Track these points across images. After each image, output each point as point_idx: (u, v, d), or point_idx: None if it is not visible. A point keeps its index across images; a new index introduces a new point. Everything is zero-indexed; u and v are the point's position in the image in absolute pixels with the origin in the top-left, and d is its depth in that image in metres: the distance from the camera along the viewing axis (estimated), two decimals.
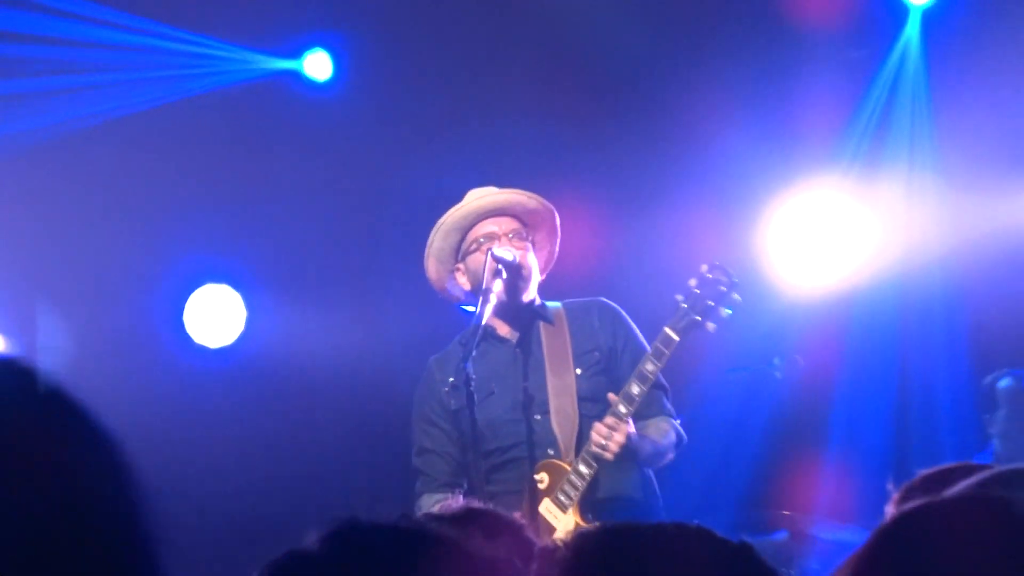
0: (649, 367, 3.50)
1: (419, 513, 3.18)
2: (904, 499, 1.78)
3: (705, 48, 4.44)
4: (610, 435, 3.41)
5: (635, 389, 3.45)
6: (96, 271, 4.85)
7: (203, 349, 5.03)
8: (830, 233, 4.37)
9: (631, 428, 3.42)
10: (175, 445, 4.67)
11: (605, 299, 3.79)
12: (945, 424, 4.27)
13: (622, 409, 3.43)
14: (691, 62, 4.43)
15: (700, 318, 3.53)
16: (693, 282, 3.56)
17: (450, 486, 3.54)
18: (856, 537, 3.60)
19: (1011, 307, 4.24)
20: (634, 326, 3.71)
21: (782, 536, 4.06)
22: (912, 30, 4.45)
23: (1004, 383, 4.30)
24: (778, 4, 4.39)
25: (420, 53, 4.70)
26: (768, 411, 4.30)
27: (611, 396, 3.46)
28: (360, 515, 1.31)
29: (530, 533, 1.92)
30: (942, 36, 4.44)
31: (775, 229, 4.43)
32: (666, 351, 3.46)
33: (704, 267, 3.58)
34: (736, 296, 3.56)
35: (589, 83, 4.56)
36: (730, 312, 3.54)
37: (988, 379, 4.37)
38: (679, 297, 3.55)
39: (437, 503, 3.39)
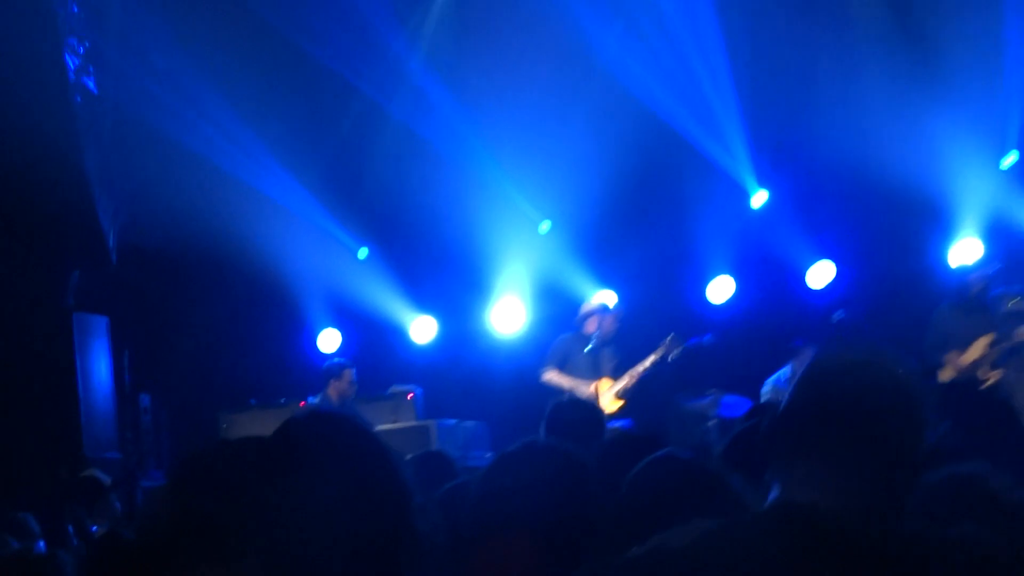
0: (651, 357, 9.96)
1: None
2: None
3: None
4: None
5: (639, 367, 10.02)
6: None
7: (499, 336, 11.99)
8: None
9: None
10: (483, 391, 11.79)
11: None
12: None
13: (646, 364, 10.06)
14: None
15: (666, 352, 9.97)
16: (670, 337, 10.04)
17: None
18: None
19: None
20: None
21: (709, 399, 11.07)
22: None
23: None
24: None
25: None
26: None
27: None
28: None
29: None
30: None
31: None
32: (658, 353, 10.01)
33: (671, 335, 10.05)
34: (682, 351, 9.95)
35: None
36: (679, 353, 9.96)
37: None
38: (665, 340, 10.05)
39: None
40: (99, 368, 10.43)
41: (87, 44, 10.22)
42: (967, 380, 8.92)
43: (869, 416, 2.00)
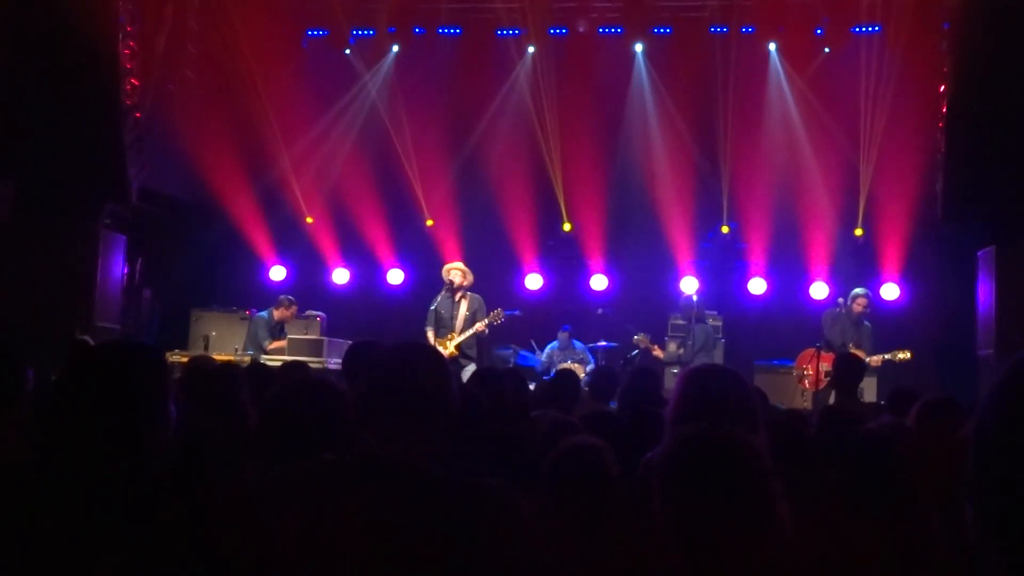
0: (485, 321, 15.49)
1: None
2: None
3: None
4: None
5: (476, 328, 15.61)
6: None
7: (391, 287, 17.72)
8: None
9: None
10: None
11: None
12: None
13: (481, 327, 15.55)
14: None
15: (494, 319, 15.07)
16: (497, 310, 15.12)
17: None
18: None
19: None
20: None
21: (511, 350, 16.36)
22: None
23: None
24: None
25: None
26: None
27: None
28: None
29: None
30: None
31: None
32: (490, 319, 15.69)
33: (497, 309, 15.41)
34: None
35: None
36: (502, 320, 15.23)
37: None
38: (495, 310, 15.39)
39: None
40: (116, 269, 15.76)
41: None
42: None
43: (420, 394, 2.69)
